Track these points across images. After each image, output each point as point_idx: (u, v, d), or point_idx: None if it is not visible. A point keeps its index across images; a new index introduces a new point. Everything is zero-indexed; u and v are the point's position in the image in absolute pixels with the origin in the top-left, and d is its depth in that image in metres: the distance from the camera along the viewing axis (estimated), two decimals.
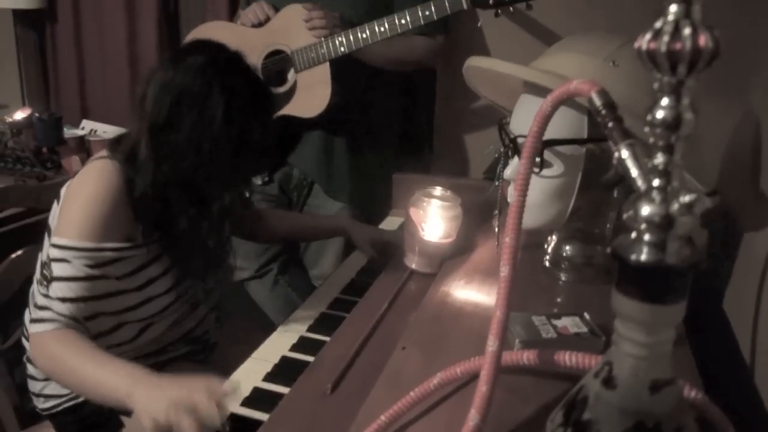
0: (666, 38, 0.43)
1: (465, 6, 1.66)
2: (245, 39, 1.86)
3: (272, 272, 2.06)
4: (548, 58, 0.88)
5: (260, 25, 1.86)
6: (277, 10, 1.86)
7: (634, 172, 0.51)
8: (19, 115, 2.11)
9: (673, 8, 0.44)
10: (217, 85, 1.14)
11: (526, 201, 0.88)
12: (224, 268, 1.43)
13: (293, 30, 1.78)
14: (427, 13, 1.68)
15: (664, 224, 0.47)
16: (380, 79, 1.89)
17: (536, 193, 0.89)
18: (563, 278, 0.98)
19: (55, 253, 1.16)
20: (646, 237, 0.48)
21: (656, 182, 0.48)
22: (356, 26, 1.74)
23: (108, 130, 2.36)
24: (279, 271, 2.07)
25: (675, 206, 0.47)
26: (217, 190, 1.23)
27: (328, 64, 1.77)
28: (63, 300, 1.14)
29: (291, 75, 1.83)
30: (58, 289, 1.14)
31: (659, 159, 0.47)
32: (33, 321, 1.17)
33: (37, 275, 1.24)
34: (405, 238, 1.34)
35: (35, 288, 1.26)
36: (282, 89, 1.84)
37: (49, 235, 1.23)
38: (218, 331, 1.52)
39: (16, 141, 2.10)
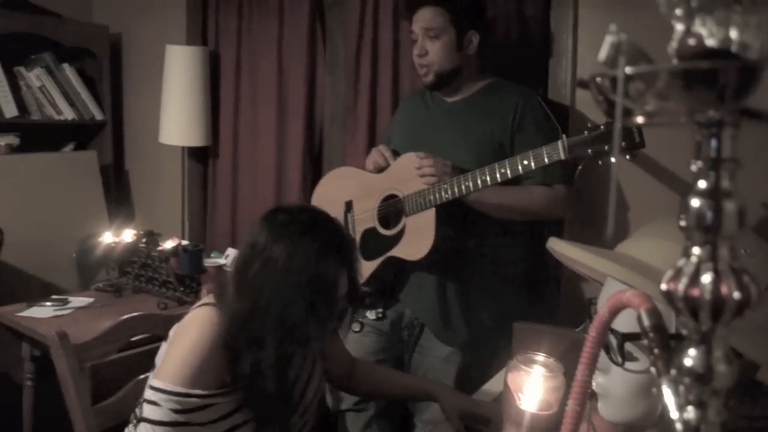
0: (684, 281, 0.39)
1: (563, 156, 1.64)
2: (367, 183, 1.99)
3: (368, 412, 2.01)
4: (636, 241, 0.83)
5: (383, 169, 1.97)
6: (396, 154, 1.96)
7: (674, 414, 0.45)
8: (169, 244, 2.34)
9: (696, 250, 0.39)
10: (298, 248, 1.22)
11: (611, 393, 0.80)
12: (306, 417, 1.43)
13: (407, 176, 1.85)
14: (525, 162, 1.68)
15: None
16: (498, 224, 1.88)
17: (621, 387, 0.81)
18: None
19: (149, 394, 1.23)
20: None
21: None
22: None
23: None
24: (376, 413, 2.01)
25: None
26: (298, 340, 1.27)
27: (434, 210, 1.80)
28: None
29: (403, 218, 1.89)
30: (144, 429, 1.21)
31: (690, 414, 0.41)
32: None
33: (133, 414, 1.31)
34: (502, 406, 1.26)
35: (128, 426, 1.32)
36: (392, 231, 1.91)
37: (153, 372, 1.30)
38: None
39: (165, 267, 2.31)
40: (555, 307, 2.17)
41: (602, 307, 0.59)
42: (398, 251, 1.90)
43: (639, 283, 0.68)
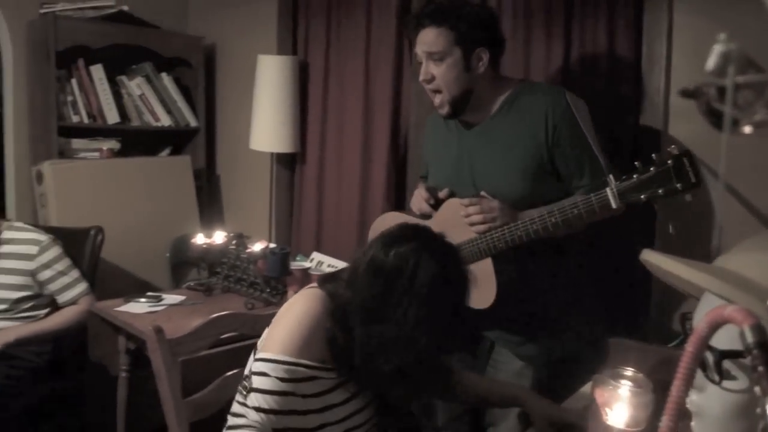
0: None
1: (614, 205, 1.56)
2: None
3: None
4: (737, 255, 0.80)
5: (429, 215, 1.91)
6: (435, 191, 1.91)
7: None
8: (258, 246, 2.41)
9: None
10: (421, 269, 1.25)
11: (707, 413, 0.78)
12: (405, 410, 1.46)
13: (455, 223, 1.75)
14: (576, 211, 1.61)
15: None
16: (574, 239, 1.82)
17: (717, 407, 0.78)
18: None
19: (258, 365, 1.29)
20: None
21: None
22: (518, 213, 1.71)
23: (333, 264, 2.57)
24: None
25: None
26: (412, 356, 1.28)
27: (490, 260, 1.74)
28: (258, 410, 1.26)
29: None
30: (254, 399, 1.27)
31: None
32: (229, 428, 1.29)
33: (240, 386, 1.37)
34: (588, 421, 1.24)
35: (235, 398, 1.38)
36: None
37: (255, 353, 1.36)
38: None
39: (253, 269, 2.39)
40: (642, 322, 2.10)
41: (701, 321, 0.58)
42: None
43: (741, 299, 0.65)
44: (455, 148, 1.90)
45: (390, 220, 2.05)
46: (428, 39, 1.76)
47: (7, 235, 2.45)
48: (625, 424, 1.18)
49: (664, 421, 0.60)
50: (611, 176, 1.58)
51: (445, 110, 1.82)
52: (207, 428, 1.61)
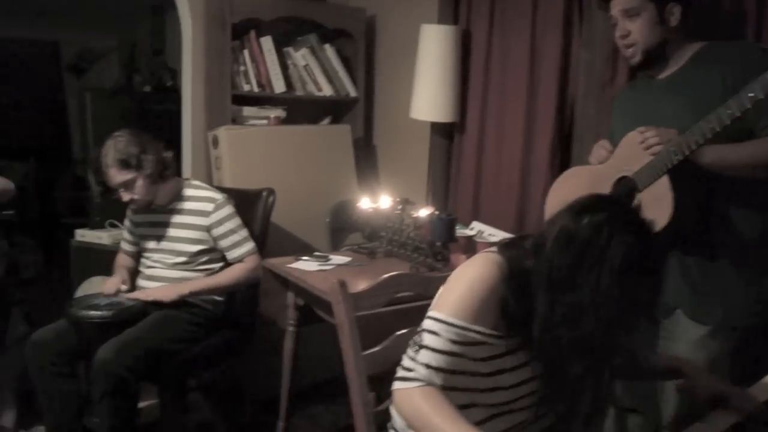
0: None
1: None
2: (598, 174, 1.98)
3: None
4: None
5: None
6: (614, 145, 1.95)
7: None
8: (423, 212, 2.46)
9: None
10: (614, 240, 1.22)
11: None
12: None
13: (633, 155, 1.82)
14: (752, 94, 1.54)
15: None
16: (751, 190, 1.76)
17: None
18: None
19: (429, 324, 1.32)
20: None
21: None
22: None
23: (494, 233, 2.56)
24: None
25: None
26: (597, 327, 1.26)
27: (666, 177, 1.73)
28: (427, 366, 1.28)
29: (636, 195, 1.83)
30: (424, 356, 1.29)
31: None
32: (398, 379, 1.33)
33: (411, 341, 1.41)
34: None
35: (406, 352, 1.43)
36: None
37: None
38: None
39: (417, 234, 2.44)
40: None
41: None
42: None
43: None
44: (641, 101, 1.98)
45: (572, 175, 2.13)
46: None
47: (188, 192, 2.67)
48: None
49: None
50: None
51: (636, 58, 1.92)
52: (374, 386, 1.67)
